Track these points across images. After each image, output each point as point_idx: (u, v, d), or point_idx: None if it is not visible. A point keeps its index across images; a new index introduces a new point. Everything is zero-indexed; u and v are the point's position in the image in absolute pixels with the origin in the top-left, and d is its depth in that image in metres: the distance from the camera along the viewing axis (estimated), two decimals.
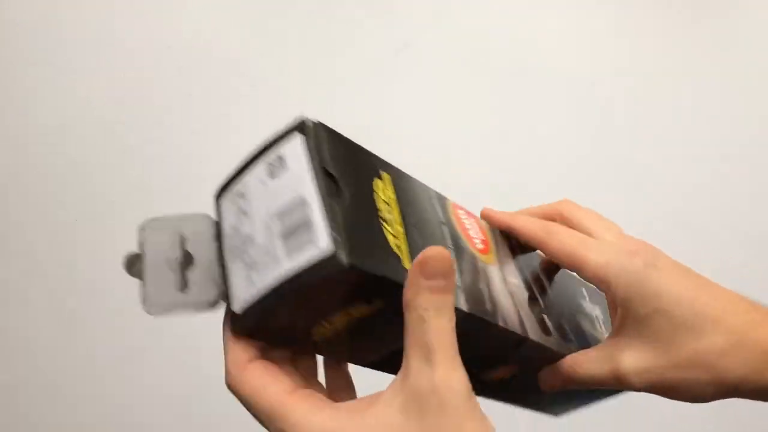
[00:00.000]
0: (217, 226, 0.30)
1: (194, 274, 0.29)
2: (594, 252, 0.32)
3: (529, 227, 0.35)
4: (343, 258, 0.23)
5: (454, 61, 0.84)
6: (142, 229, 0.32)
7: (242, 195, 0.28)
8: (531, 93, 0.84)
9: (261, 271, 0.25)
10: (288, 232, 0.24)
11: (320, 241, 0.23)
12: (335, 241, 0.23)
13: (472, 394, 0.25)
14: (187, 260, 0.29)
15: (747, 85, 0.84)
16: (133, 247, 0.33)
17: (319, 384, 0.29)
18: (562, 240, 0.33)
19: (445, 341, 0.25)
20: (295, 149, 0.26)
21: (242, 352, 0.26)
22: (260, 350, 0.27)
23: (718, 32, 0.86)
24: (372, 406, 0.25)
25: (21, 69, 0.82)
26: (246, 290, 0.25)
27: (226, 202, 0.30)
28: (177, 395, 0.81)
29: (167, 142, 0.83)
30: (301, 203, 0.24)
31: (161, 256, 0.30)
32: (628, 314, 0.31)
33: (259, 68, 0.84)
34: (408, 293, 0.25)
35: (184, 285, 0.28)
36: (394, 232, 0.27)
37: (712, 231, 0.80)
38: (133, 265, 0.30)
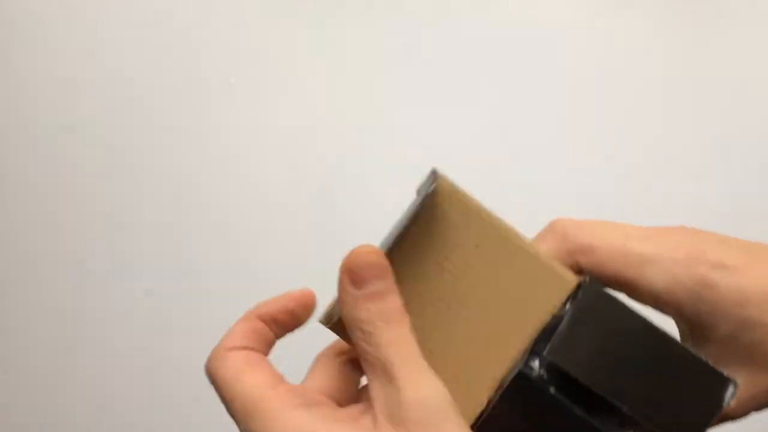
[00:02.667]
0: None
1: None
2: (648, 267, 0.25)
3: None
4: None
5: (455, 61, 0.84)
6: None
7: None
8: (534, 93, 0.84)
9: None
10: None
11: None
12: None
13: (454, 404, 0.22)
14: None
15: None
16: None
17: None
18: (601, 253, 0.25)
19: (403, 351, 0.22)
20: None
21: (233, 337, 0.24)
22: (255, 341, 0.25)
23: (737, 33, 0.85)
24: (355, 421, 0.22)
25: (20, 66, 0.82)
26: None
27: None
28: (177, 396, 0.80)
29: (166, 143, 0.83)
30: None
31: None
32: (708, 338, 0.25)
33: (258, 68, 0.83)
34: (344, 311, 0.22)
35: None
36: None
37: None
38: None
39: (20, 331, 0.81)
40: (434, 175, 0.26)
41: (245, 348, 0.25)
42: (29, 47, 0.82)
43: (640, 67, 0.84)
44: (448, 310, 0.24)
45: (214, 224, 0.82)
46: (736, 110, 0.83)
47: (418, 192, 0.27)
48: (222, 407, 0.25)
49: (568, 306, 0.25)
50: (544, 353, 0.23)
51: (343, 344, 0.26)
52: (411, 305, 0.24)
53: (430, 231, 0.25)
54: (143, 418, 0.81)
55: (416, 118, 0.83)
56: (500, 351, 0.24)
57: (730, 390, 0.24)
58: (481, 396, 0.24)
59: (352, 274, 0.22)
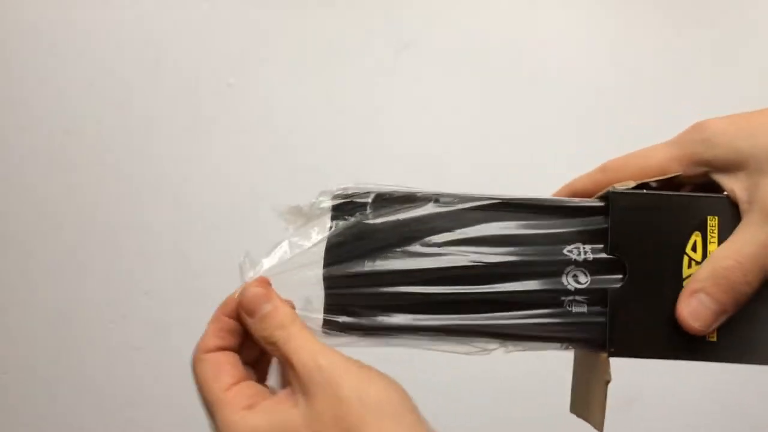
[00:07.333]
0: None
1: None
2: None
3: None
4: None
5: (454, 62, 0.84)
6: None
7: None
8: (532, 94, 0.84)
9: None
10: None
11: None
12: None
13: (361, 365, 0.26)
14: None
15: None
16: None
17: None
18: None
19: (298, 343, 0.27)
20: None
21: (206, 339, 0.29)
22: (226, 338, 0.29)
23: (726, 34, 0.86)
24: (282, 403, 0.26)
25: (20, 68, 0.82)
26: None
27: None
28: (175, 395, 0.81)
29: (165, 143, 0.83)
30: None
31: None
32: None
33: (257, 68, 0.84)
34: (254, 336, 0.28)
35: None
36: None
37: None
38: None
39: (20, 331, 0.81)
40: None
41: (218, 348, 0.29)
42: (29, 49, 0.82)
43: (647, 74, 0.84)
44: None
45: (214, 224, 0.82)
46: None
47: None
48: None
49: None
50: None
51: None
52: None
53: None
54: (142, 417, 0.81)
55: (416, 118, 0.83)
56: None
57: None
58: None
59: (246, 309, 0.28)
